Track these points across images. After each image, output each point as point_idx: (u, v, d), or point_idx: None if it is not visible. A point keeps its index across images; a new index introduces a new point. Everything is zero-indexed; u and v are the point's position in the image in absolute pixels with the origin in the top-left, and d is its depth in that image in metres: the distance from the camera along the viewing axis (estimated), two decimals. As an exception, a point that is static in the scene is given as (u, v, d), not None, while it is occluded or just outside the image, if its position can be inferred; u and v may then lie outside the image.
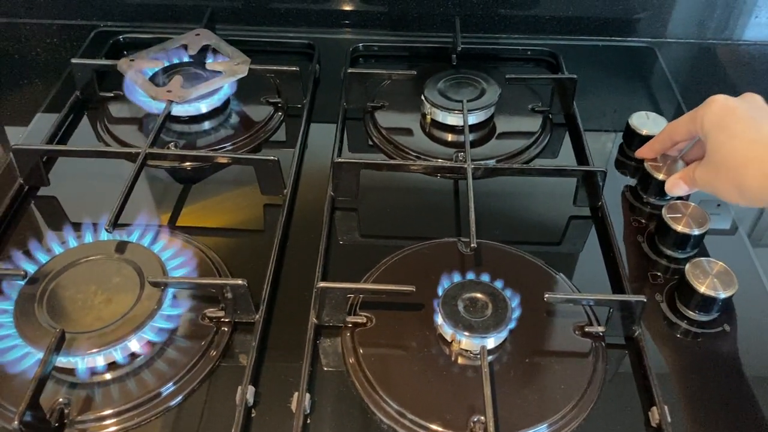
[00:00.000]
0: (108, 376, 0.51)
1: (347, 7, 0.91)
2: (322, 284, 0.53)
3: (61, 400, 0.49)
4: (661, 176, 0.65)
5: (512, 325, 0.52)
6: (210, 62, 0.77)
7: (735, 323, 0.56)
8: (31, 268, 0.56)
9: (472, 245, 0.57)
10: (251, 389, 0.50)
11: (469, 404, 0.49)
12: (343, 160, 0.65)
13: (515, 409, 0.49)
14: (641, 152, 0.67)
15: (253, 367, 0.51)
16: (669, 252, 0.61)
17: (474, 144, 0.72)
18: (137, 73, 0.74)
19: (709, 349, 0.55)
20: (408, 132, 0.75)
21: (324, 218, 0.63)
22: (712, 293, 0.55)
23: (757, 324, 0.57)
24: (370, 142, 0.75)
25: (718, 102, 0.56)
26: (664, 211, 0.61)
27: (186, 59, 0.78)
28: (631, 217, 0.66)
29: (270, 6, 0.91)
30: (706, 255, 0.61)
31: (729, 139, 0.54)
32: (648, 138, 0.70)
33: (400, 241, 0.62)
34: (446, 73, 0.79)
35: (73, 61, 0.77)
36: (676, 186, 0.61)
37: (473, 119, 0.74)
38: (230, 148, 0.72)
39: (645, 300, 0.52)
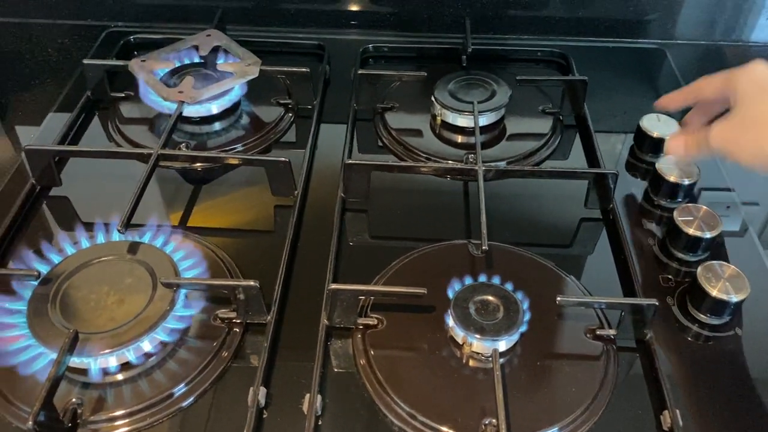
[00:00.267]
0: (120, 376, 0.51)
1: (357, 8, 0.92)
2: (334, 286, 0.53)
3: (74, 400, 0.49)
4: (672, 179, 0.65)
5: (524, 327, 0.52)
6: (221, 63, 0.77)
7: (747, 327, 0.56)
8: (43, 269, 0.56)
9: (483, 248, 0.57)
10: (263, 390, 0.50)
11: (480, 407, 0.50)
12: (353, 161, 0.65)
13: (526, 411, 0.49)
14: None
15: (265, 368, 0.51)
16: (680, 255, 0.61)
17: (484, 145, 0.72)
18: (149, 74, 0.74)
19: (720, 352, 0.55)
20: (418, 133, 0.75)
21: (335, 219, 0.64)
22: (724, 297, 0.54)
23: (768, 327, 0.57)
24: (380, 143, 0.75)
25: (760, 67, 0.55)
26: (675, 214, 0.61)
27: (197, 60, 0.78)
28: (642, 219, 0.66)
29: (280, 7, 0.91)
30: (717, 257, 0.61)
31: (765, 101, 0.53)
32: (659, 140, 0.70)
33: (410, 243, 0.62)
34: (456, 74, 0.79)
35: (85, 61, 0.77)
36: (677, 145, 0.58)
37: (484, 121, 0.74)
38: (241, 149, 0.73)
39: (657, 304, 0.52)
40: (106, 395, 0.50)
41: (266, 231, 0.66)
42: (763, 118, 0.52)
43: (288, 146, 0.75)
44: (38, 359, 0.51)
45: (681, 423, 0.49)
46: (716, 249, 0.62)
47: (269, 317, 0.54)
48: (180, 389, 0.51)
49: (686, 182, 0.65)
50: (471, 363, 0.52)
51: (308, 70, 0.76)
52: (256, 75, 0.75)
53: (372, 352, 0.53)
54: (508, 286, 0.55)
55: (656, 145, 0.71)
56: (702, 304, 0.56)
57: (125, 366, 0.52)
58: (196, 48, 0.79)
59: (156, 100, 0.74)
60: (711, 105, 0.60)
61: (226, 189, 0.69)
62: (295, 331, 0.55)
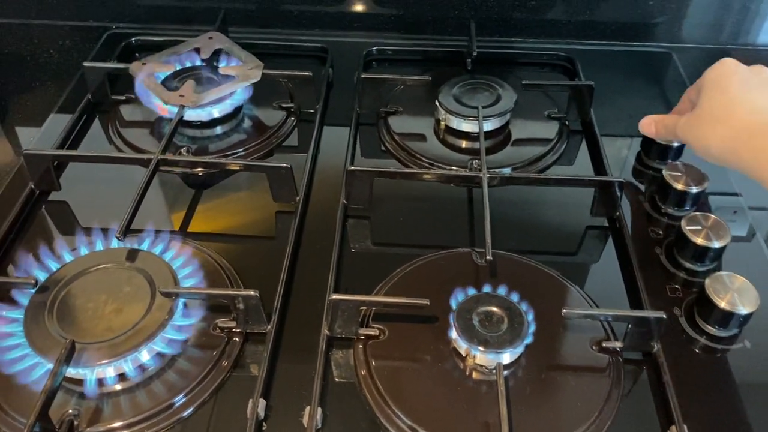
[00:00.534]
0: (118, 386, 0.50)
1: (360, 10, 0.91)
2: (335, 296, 0.52)
3: (70, 411, 0.49)
4: (680, 186, 0.64)
5: (528, 340, 0.51)
6: (223, 66, 0.77)
7: (756, 339, 0.55)
8: (41, 276, 0.55)
9: (487, 257, 0.56)
10: (262, 402, 0.49)
11: (483, 420, 0.49)
12: (356, 168, 0.64)
13: (531, 426, 0.48)
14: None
15: (265, 379, 0.50)
16: (688, 265, 0.60)
17: (489, 151, 0.71)
18: (149, 77, 0.74)
19: (729, 365, 0.54)
20: (422, 138, 0.75)
21: (336, 226, 0.63)
22: (732, 309, 0.53)
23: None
24: (383, 148, 0.74)
25: (726, 63, 0.58)
26: (683, 223, 0.60)
27: (198, 63, 0.78)
28: (649, 228, 0.65)
29: (283, 8, 0.90)
30: (726, 266, 0.60)
31: (719, 95, 0.56)
32: (666, 147, 0.69)
33: (413, 250, 0.62)
34: (461, 78, 0.78)
35: (85, 64, 0.76)
36: (648, 126, 0.66)
37: (488, 126, 0.73)
38: (242, 153, 0.72)
39: (665, 317, 0.51)
40: (104, 406, 0.50)
41: (267, 237, 0.65)
42: (709, 115, 0.56)
43: (290, 150, 0.74)
44: (35, 369, 0.50)
45: (689, 439, 0.48)
46: (725, 258, 0.61)
47: (269, 327, 0.54)
48: (179, 400, 0.50)
49: (694, 190, 0.64)
50: (474, 375, 0.51)
51: (311, 73, 0.75)
52: (259, 79, 0.74)
53: (373, 363, 0.52)
54: (513, 297, 0.54)
55: (663, 152, 0.70)
56: (710, 315, 0.55)
57: (123, 376, 0.51)
58: (198, 51, 0.78)
59: (157, 103, 0.73)
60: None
61: (227, 194, 0.68)
62: (295, 341, 0.55)
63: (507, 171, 0.70)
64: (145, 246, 0.59)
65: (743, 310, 0.53)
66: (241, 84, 0.73)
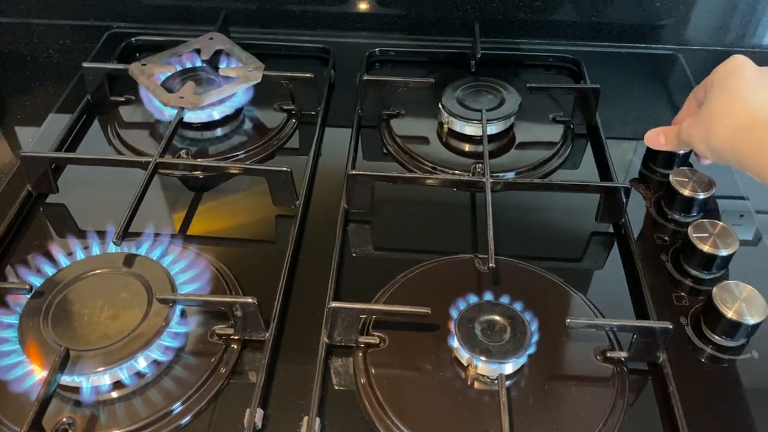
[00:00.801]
0: (114, 394, 0.50)
1: (363, 11, 0.90)
2: (334, 304, 0.51)
3: (65, 419, 0.48)
4: (687, 192, 0.63)
5: (531, 349, 0.50)
6: (223, 68, 0.76)
7: (764, 349, 0.54)
8: (37, 281, 0.55)
9: (490, 264, 0.55)
10: (260, 412, 0.48)
11: (484, 431, 0.48)
12: (357, 172, 0.63)
13: (533, 438, 0.48)
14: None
15: (263, 388, 0.50)
16: (694, 272, 0.59)
17: (493, 155, 0.70)
18: (149, 78, 0.73)
19: (736, 376, 0.53)
20: (424, 141, 0.74)
21: (337, 231, 0.62)
22: (739, 319, 0.52)
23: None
24: (385, 151, 0.73)
25: (734, 61, 0.57)
26: (690, 229, 0.59)
27: (199, 64, 0.77)
28: (655, 234, 0.63)
29: (285, 9, 0.89)
30: (733, 274, 0.59)
31: (721, 93, 0.55)
32: (672, 154, 0.68)
33: (415, 255, 0.61)
34: (465, 80, 0.77)
35: (85, 65, 0.76)
36: (655, 138, 0.64)
37: (492, 129, 0.72)
38: (243, 155, 0.71)
39: (671, 327, 0.50)
40: (99, 414, 0.49)
41: (267, 241, 0.64)
42: (714, 112, 0.55)
43: (291, 153, 0.73)
44: (29, 376, 0.49)
45: (695, 452, 0.47)
46: (732, 264, 0.60)
47: (267, 334, 0.53)
48: (176, 407, 0.49)
49: (701, 196, 0.63)
50: (476, 385, 0.50)
51: (312, 75, 0.74)
52: (259, 80, 0.73)
53: (373, 372, 0.51)
54: (516, 306, 0.53)
55: (670, 157, 0.69)
56: (717, 325, 0.54)
57: (119, 383, 0.50)
58: (198, 51, 0.77)
59: (156, 105, 0.72)
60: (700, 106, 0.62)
61: (227, 197, 0.68)
62: (294, 348, 0.54)
63: (511, 175, 0.69)
64: (142, 251, 0.58)
65: (751, 320, 0.52)
66: (242, 85, 0.73)
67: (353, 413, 0.50)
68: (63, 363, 0.47)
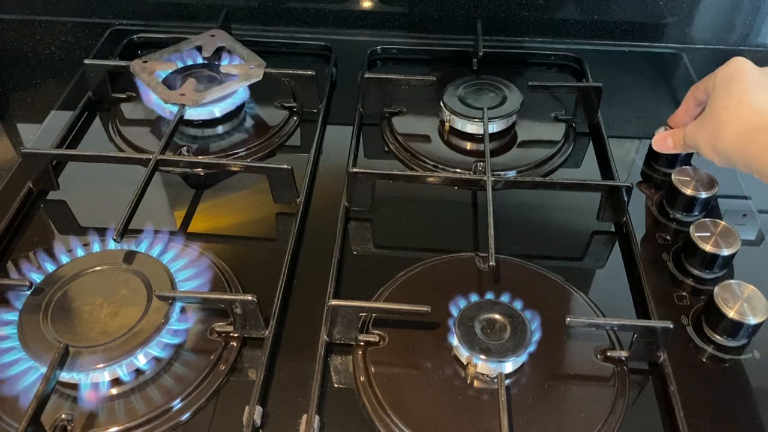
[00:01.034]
0: (113, 391, 0.50)
1: (366, 8, 0.89)
2: (334, 302, 0.51)
3: (63, 416, 0.48)
4: (689, 191, 0.63)
5: (531, 348, 0.50)
6: (225, 65, 0.76)
7: (766, 349, 0.54)
8: (37, 277, 0.55)
9: (490, 263, 0.55)
10: (259, 410, 0.48)
11: (484, 430, 0.48)
12: (358, 170, 0.63)
13: (533, 437, 0.47)
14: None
15: (262, 385, 0.50)
16: (696, 272, 0.59)
17: (494, 153, 0.70)
18: (150, 75, 0.73)
19: (737, 376, 0.52)
20: (426, 139, 0.73)
21: (338, 229, 0.62)
22: (741, 319, 0.52)
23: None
24: (387, 149, 0.73)
25: (736, 63, 0.57)
26: (691, 229, 0.59)
27: (200, 61, 0.77)
28: (657, 233, 0.63)
29: (287, 6, 0.89)
30: (735, 273, 0.59)
31: (725, 97, 0.55)
32: (674, 154, 0.68)
33: (415, 254, 0.61)
34: (467, 78, 0.77)
35: (86, 61, 0.76)
36: (662, 142, 0.64)
37: (494, 128, 0.71)
38: (244, 153, 0.71)
39: (672, 327, 0.50)
40: (98, 411, 0.49)
41: (267, 239, 0.64)
42: (719, 117, 0.55)
43: (292, 150, 0.73)
44: (28, 373, 0.49)
45: (695, 452, 0.47)
46: (734, 263, 0.60)
47: (267, 332, 0.53)
48: (175, 405, 0.49)
49: (703, 195, 0.62)
50: (475, 384, 0.50)
51: (313, 73, 0.74)
52: (261, 78, 0.73)
53: (373, 370, 0.51)
54: (516, 304, 0.53)
55: (672, 157, 0.68)
56: (718, 325, 0.53)
57: (118, 380, 0.50)
58: (200, 49, 0.77)
59: (157, 102, 0.72)
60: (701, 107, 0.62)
61: (227, 194, 0.68)
62: (294, 346, 0.54)
63: (512, 174, 0.69)
64: (142, 248, 0.58)
65: (753, 320, 0.52)
66: (243, 83, 0.72)
67: (352, 411, 0.50)
68: (62, 359, 0.47)
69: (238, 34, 0.82)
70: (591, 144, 0.74)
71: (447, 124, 0.74)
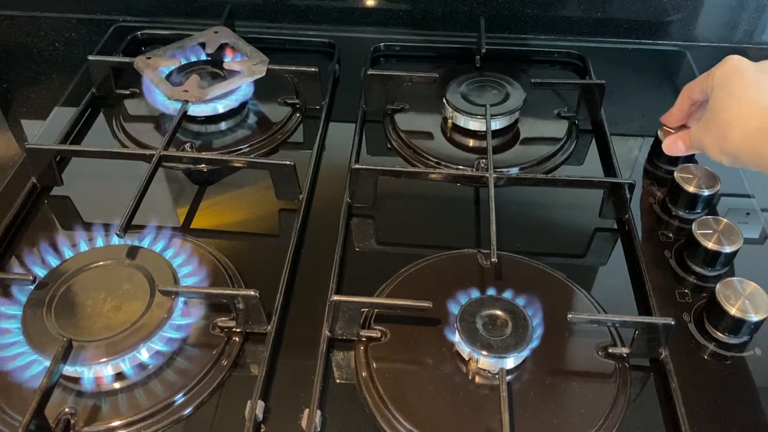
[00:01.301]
0: (116, 385, 0.50)
1: (369, 5, 0.89)
2: (336, 297, 0.51)
3: (67, 410, 0.48)
4: (691, 188, 0.63)
5: (533, 344, 0.50)
6: (228, 61, 0.76)
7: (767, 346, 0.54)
8: (41, 272, 0.55)
9: (492, 259, 0.55)
10: (261, 404, 0.48)
11: (485, 426, 0.48)
12: (360, 166, 0.63)
13: (534, 432, 0.48)
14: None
15: (264, 380, 0.50)
16: (698, 269, 0.59)
17: (497, 150, 0.70)
18: (154, 72, 0.73)
19: (739, 373, 0.52)
20: (428, 136, 0.73)
21: (340, 225, 0.62)
22: (743, 316, 0.52)
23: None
24: (389, 146, 0.73)
25: (732, 61, 0.56)
26: (694, 226, 0.59)
27: (203, 57, 0.77)
28: (659, 230, 0.63)
29: (290, 3, 0.89)
30: (737, 271, 0.59)
31: (726, 97, 0.55)
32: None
33: (418, 250, 0.61)
34: (469, 75, 0.77)
35: (90, 58, 0.76)
36: (673, 145, 0.63)
37: (496, 125, 0.72)
38: (247, 149, 0.71)
39: (673, 323, 0.50)
40: (101, 405, 0.49)
41: (270, 235, 0.64)
42: (720, 118, 0.55)
43: (295, 147, 0.73)
44: (32, 366, 0.50)
45: (696, 448, 0.47)
46: (736, 261, 0.60)
47: (269, 327, 0.53)
48: (178, 399, 0.49)
49: (706, 193, 0.62)
50: (477, 380, 0.50)
51: (317, 69, 0.74)
52: (264, 74, 0.73)
53: (374, 366, 0.51)
54: (518, 300, 0.53)
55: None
56: (720, 322, 0.53)
57: (121, 374, 0.50)
58: (203, 45, 0.77)
59: (161, 98, 0.72)
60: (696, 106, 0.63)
61: (230, 190, 0.68)
62: (296, 341, 0.54)
63: (514, 171, 0.69)
64: (146, 243, 0.58)
65: (754, 317, 0.52)
66: (246, 79, 0.73)
67: (354, 406, 0.50)
68: (66, 353, 0.47)
69: (242, 30, 0.82)
70: (594, 141, 0.74)
71: (450, 120, 0.74)
